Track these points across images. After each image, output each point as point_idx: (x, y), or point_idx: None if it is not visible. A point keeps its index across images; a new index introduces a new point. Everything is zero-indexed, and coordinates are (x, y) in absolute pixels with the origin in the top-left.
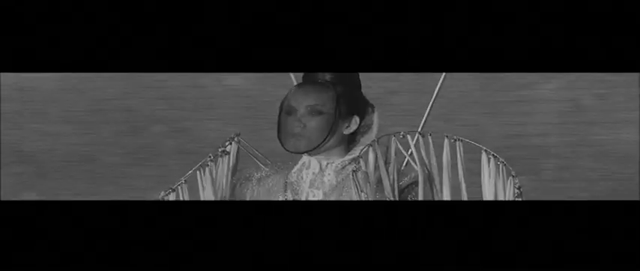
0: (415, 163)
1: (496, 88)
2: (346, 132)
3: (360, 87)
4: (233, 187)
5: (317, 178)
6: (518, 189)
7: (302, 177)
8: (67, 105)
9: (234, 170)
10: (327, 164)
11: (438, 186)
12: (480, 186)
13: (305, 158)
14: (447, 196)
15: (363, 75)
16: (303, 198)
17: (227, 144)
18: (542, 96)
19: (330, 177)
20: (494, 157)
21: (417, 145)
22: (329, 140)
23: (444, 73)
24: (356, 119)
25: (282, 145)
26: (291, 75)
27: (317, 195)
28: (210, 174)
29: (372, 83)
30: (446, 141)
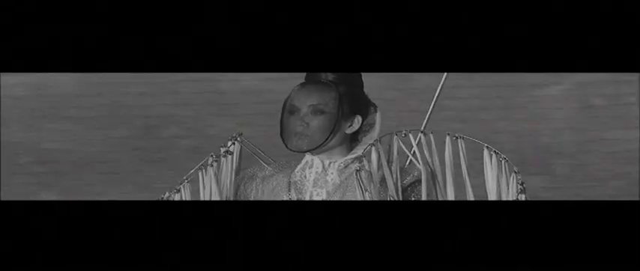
0: (418, 162)
1: (509, 88)
2: (348, 131)
3: (362, 86)
4: (237, 186)
5: (320, 177)
6: (522, 184)
7: (305, 177)
8: (84, 105)
9: (238, 169)
10: (330, 163)
11: (441, 184)
12: (483, 183)
13: (308, 157)
14: (450, 194)
15: (377, 75)
16: (307, 197)
17: (230, 143)
18: (554, 96)
19: (333, 177)
20: (496, 154)
21: (419, 144)
22: (331, 139)
23: (446, 73)
24: (358, 118)
25: (285, 144)
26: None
27: (320, 195)
28: (215, 174)
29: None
30: (448, 138)
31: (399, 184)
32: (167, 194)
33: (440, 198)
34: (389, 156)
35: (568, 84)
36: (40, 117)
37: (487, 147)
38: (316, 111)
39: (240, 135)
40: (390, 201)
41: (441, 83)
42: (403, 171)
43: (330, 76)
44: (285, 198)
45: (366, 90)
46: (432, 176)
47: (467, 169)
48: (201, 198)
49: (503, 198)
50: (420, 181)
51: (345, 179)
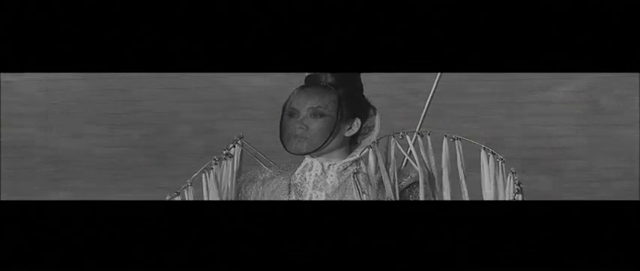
0: (415, 163)
1: (518, 89)
2: (348, 134)
3: (362, 89)
4: (238, 189)
5: (320, 180)
6: (519, 185)
7: (305, 179)
8: (96, 105)
9: (239, 172)
10: (330, 165)
11: (438, 185)
12: (480, 184)
13: (307, 159)
14: (446, 195)
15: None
16: (307, 199)
17: (231, 146)
18: (563, 97)
19: (332, 179)
20: (494, 155)
21: (416, 145)
22: (330, 142)
23: (439, 73)
24: (357, 121)
25: (284, 147)
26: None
27: (320, 197)
28: (215, 177)
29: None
30: (445, 140)
31: (397, 186)
32: (168, 197)
33: (437, 199)
34: (386, 158)
35: (577, 84)
36: (52, 117)
37: (484, 148)
38: (316, 113)
39: (242, 137)
40: (388, 201)
41: (435, 83)
42: (401, 172)
43: (330, 79)
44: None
45: (365, 92)
46: (429, 177)
47: (463, 170)
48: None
49: (500, 199)
50: (417, 183)
51: (344, 181)
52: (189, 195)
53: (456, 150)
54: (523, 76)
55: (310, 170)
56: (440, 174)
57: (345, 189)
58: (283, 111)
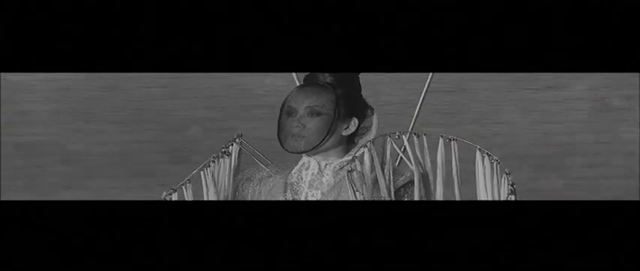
0: (410, 163)
1: (526, 88)
2: (345, 133)
3: (360, 89)
4: (235, 188)
5: (316, 179)
6: (512, 185)
7: (302, 178)
8: (108, 105)
9: (237, 171)
10: (326, 164)
11: (433, 186)
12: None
13: (305, 158)
14: (440, 195)
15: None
16: (302, 198)
17: (229, 145)
18: (572, 96)
19: (328, 178)
20: (489, 156)
21: (411, 145)
22: (327, 141)
23: (431, 73)
24: (355, 121)
25: (282, 145)
26: (294, 75)
27: (315, 195)
28: (212, 174)
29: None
30: (440, 140)
31: (392, 186)
32: (164, 194)
33: (431, 199)
34: (382, 158)
35: (585, 84)
36: (64, 118)
37: (479, 149)
38: (313, 112)
39: (240, 136)
40: (383, 201)
41: (427, 84)
42: (396, 172)
43: (328, 79)
44: (281, 199)
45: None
46: (424, 177)
47: (458, 171)
48: (205, 199)
49: (495, 198)
50: (412, 182)
51: (340, 180)
52: (188, 194)
53: (451, 151)
54: (531, 76)
55: (307, 169)
56: (434, 174)
57: (341, 187)
58: (281, 110)
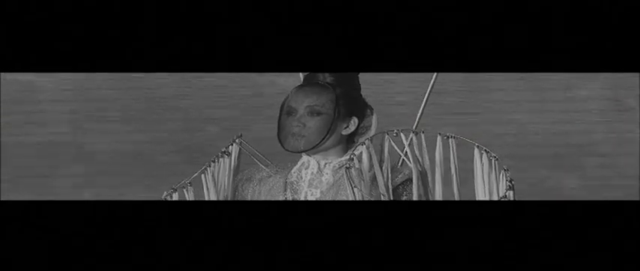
0: (409, 161)
1: (541, 88)
2: (345, 132)
3: (359, 89)
4: (235, 188)
5: (315, 178)
6: (510, 182)
7: (301, 177)
8: (124, 104)
9: (237, 171)
10: (326, 164)
11: (431, 183)
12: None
13: (304, 158)
14: (438, 193)
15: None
16: (302, 197)
17: (229, 145)
18: (587, 95)
19: (327, 177)
20: (487, 152)
21: (410, 143)
22: (327, 140)
23: (435, 73)
24: (355, 120)
25: (282, 145)
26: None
27: (315, 194)
28: (212, 175)
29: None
30: (439, 138)
31: (390, 183)
32: (165, 194)
33: (430, 197)
34: (380, 156)
35: (601, 83)
36: (82, 117)
37: (477, 146)
38: (313, 112)
39: (240, 136)
40: (381, 200)
41: (431, 84)
42: (394, 169)
43: (328, 78)
44: (281, 199)
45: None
46: (422, 175)
47: (456, 168)
48: (206, 199)
49: (493, 195)
50: (411, 180)
51: (339, 178)
52: (190, 195)
53: (449, 149)
54: (545, 76)
55: (307, 168)
56: (433, 172)
57: (340, 186)
58: (281, 109)
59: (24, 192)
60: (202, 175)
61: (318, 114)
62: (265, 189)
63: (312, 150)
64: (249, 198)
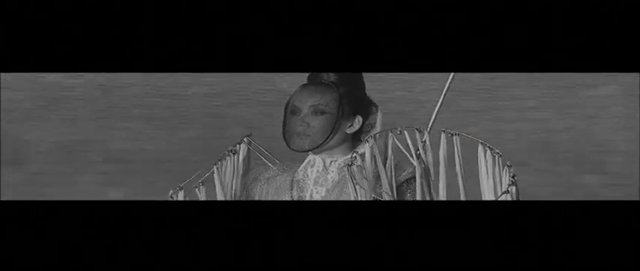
0: (412, 158)
1: (562, 88)
2: (349, 131)
3: (363, 88)
4: (243, 188)
5: (321, 176)
6: (513, 177)
7: (307, 175)
8: (151, 105)
9: (246, 171)
10: (331, 162)
11: (434, 181)
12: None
13: (310, 156)
14: (442, 190)
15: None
16: (308, 196)
17: (236, 144)
18: (608, 95)
19: (333, 175)
20: (491, 149)
21: (414, 141)
22: (331, 139)
23: (452, 73)
24: (359, 119)
25: (287, 144)
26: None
27: (320, 192)
28: (218, 174)
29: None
30: (443, 135)
31: (394, 181)
32: (171, 192)
33: (433, 195)
34: (384, 154)
35: (622, 83)
36: (108, 117)
37: (481, 143)
38: (317, 111)
39: (249, 135)
40: (385, 198)
41: (447, 84)
42: (398, 167)
43: (332, 77)
44: (288, 197)
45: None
46: (426, 172)
47: (461, 166)
48: (218, 198)
49: (497, 191)
50: (415, 177)
51: (343, 176)
52: (202, 195)
53: (453, 146)
54: (566, 75)
55: (312, 166)
56: (437, 169)
57: (344, 183)
58: (286, 109)
59: (46, 191)
60: (215, 175)
61: (322, 113)
62: (273, 187)
63: (316, 149)
64: (257, 198)
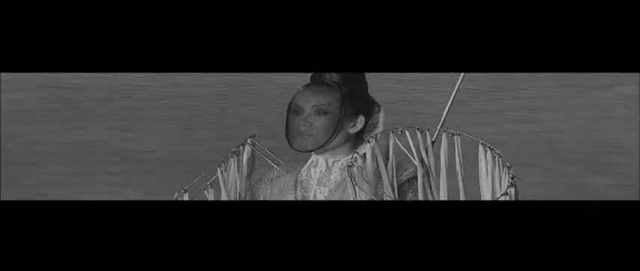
0: (414, 158)
1: (571, 88)
2: (352, 131)
3: (366, 87)
4: (247, 188)
5: (324, 176)
6: (512, 179)
7: (311, 175)
8: (167, 105)
9: (251, 171)
10: (334, 162)
11: (435, 181)
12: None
13: (314, 156)
14: (443, 190)
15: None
16: (311, 196)
17: (240, 145)
18: (617, 96)
19: (336, 175)
20: (491, 149)
21: (415, 141)
22: (334, 139)
23: (462, 73)
24: (361, 118)
25: (290, 144)
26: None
27: (323, 192)
28: (222, 175)
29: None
30: (444, 136)
31: (395, 181)
32: (176, 195)
33: (434, 194)
34: (385, 154)
35: (630, 83)
36: (124, 117)
37: (482, 143)
38: (319, 111)
39: (253, 136)
40: (386, 199)
41: (457, 84)
42: (400, 166)
43: (335, 77)
44: (292, 197)
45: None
46: (427, 173)
47: (461, 165)
48: (223, 199)
49: (496, 191)
50: (416, 177)
51: (345, 177)
52: (210, 196)
53: (454, 146)
54: (574, 76)
55: (315, 167)
56: (438, 169)
57: (347, 184)
58: (289, 109)
59: (65, 191)
60: (219, 176)
61: (325, 113)
62: (277, 188)
63: (319, 149)
64: (261, 198)
